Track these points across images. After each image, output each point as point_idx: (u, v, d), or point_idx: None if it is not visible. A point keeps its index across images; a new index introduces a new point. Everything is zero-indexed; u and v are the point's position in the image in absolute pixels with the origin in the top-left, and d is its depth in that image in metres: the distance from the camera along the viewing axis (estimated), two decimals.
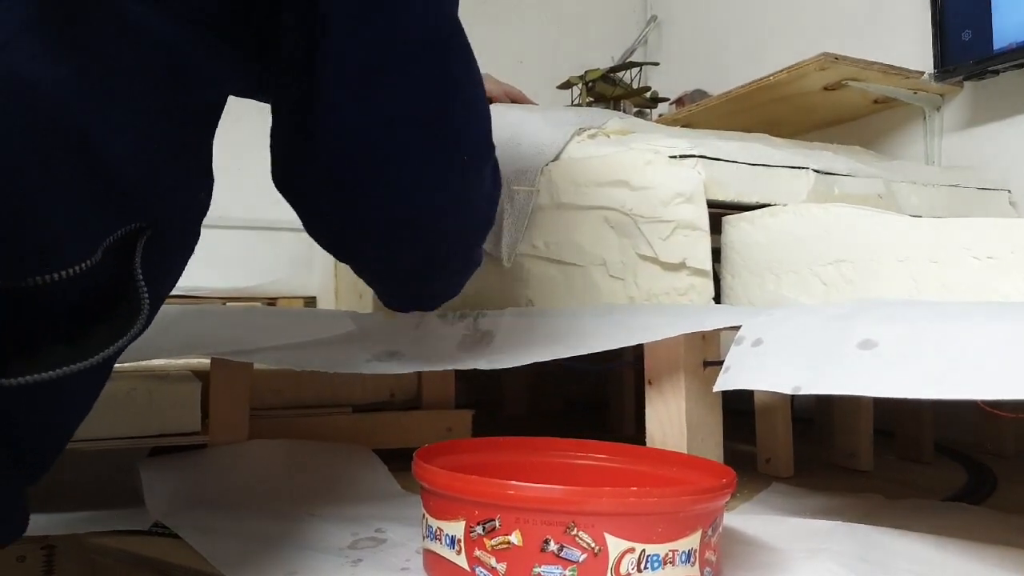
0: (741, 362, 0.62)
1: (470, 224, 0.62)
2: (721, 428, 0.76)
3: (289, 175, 0.55)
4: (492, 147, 0.61)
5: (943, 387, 0.49)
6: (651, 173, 0.86)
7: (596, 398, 1.54)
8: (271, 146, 0.55)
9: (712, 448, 0.74)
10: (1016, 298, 0.60)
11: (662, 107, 1.81)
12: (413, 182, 0.53)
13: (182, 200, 0.47)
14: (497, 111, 1.07)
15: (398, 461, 0.86)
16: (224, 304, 1.25)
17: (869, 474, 0.96)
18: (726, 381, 0.62)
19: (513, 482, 0.47)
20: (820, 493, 0.83)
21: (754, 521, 0.69)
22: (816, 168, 0.96)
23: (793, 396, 0.96)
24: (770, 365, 0.59)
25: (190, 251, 0.51)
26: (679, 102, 1.69)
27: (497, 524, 0.48)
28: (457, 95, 0.54)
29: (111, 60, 0.38)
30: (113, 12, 0.37)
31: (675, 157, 0.86)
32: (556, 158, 0.94)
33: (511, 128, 0.98)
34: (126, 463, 0.79)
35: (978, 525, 0.70)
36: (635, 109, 1.74)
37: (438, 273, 0.66)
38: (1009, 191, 1.14)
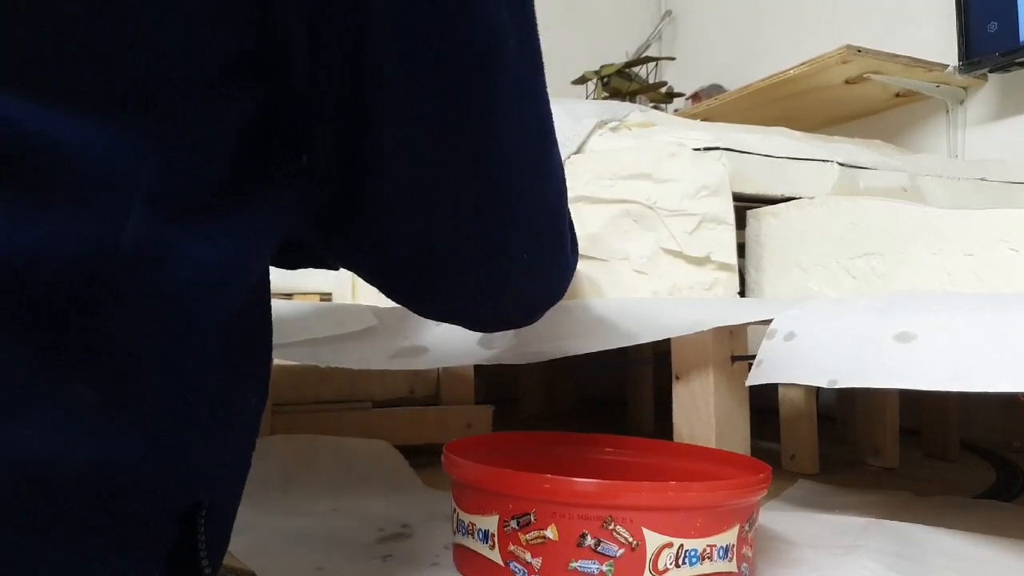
0: (774, 356, 0.61)
1: (542, 306, 0.55)
2: (748, 424, 0.75)
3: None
4: (563, 234, 0.50)
5: (988, 380, 0.48)
6: (675, 166, 0.85)
7: (614, 395, 1.53)
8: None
9: (740, 443, 0.73)
10: None
11: (678, 102, 1.80)
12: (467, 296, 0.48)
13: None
14: None
15: (419, 457, 0.86)
16: None
17: (895, 471, 0.94)
18: (759, 375, 0.61)
19: (549, 476, 0.46)
20: (847, 490, 0.82)
21: (783, 517, 0.68)
22: (841, 161, 0.94)
23: (818, 393, 0.96)
24: (804, 359, 0.58)
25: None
26: (695, 97, 1.68)
27: (532, 518, 0.47)
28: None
29: None
30: None
31: (699, 150, 0.85)
32: (578, 150, 0.93)
33: None
34: None
35: (1013, 522, 0.69)
36: (651, 104, 1.73)
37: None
38: None
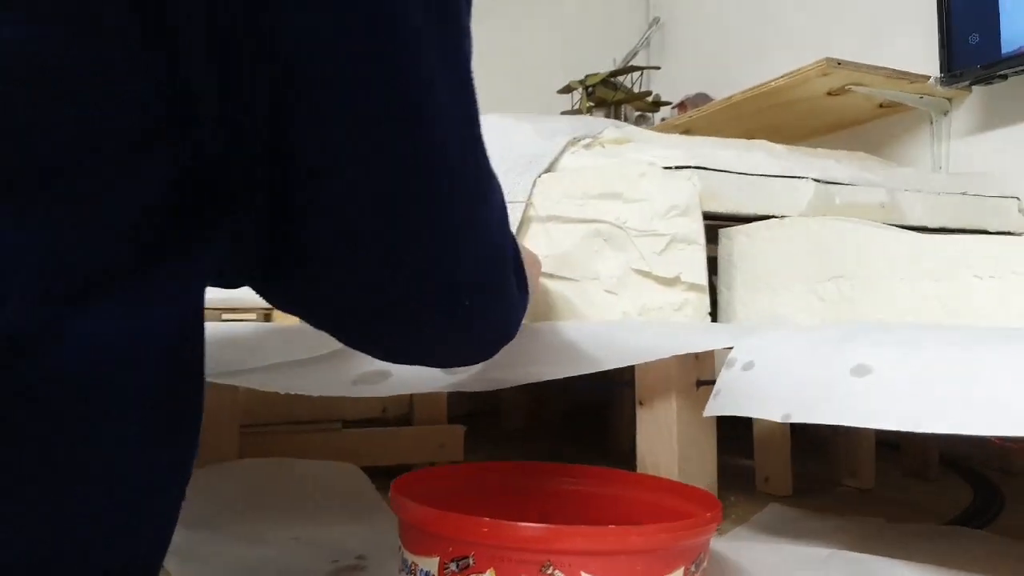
0: (732, 386, 0.60)
1: (495, 345, 0.54)
2: (715, 450, 0.74)
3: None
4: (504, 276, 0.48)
5: (940, 421, 0.47)
6: (645, 185, 0.84)
7: (596, 410, 1.52)
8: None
9: (705, 472, 0.72)
10: (1014, 323, 0.57)
11: (665, 111, 1.79)
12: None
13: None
14: (490, 120, 1.05)
15: (389, 478, 0.84)
16: (220, 315, 1.24)
17: (871, 493, 0.93)
18: (717, 406, 0.60)
19: (487, 519, 0.45)
20: (818, 515, 0.81)
21: (746, 547, 0.67)
22: (816, 177, 0.93)
23: None
24: (760, 390, 0.57)
25: None
26: (681, 106, 1.67)
27: (471, 562, 0.46)
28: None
29: None
30: None
31: (670, 168, 0.84)
32: (549, 169, 0.92)
33: (502, 138, 0.96)
34: None
35: (980, 552, 0.68)
36: (637, 113, 1.72)
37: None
38: (1018, 199, 1.11)
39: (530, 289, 0.79)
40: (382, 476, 0.86)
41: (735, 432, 0.88)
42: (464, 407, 1.32)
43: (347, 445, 0.93)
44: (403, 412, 1.00)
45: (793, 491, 0.92)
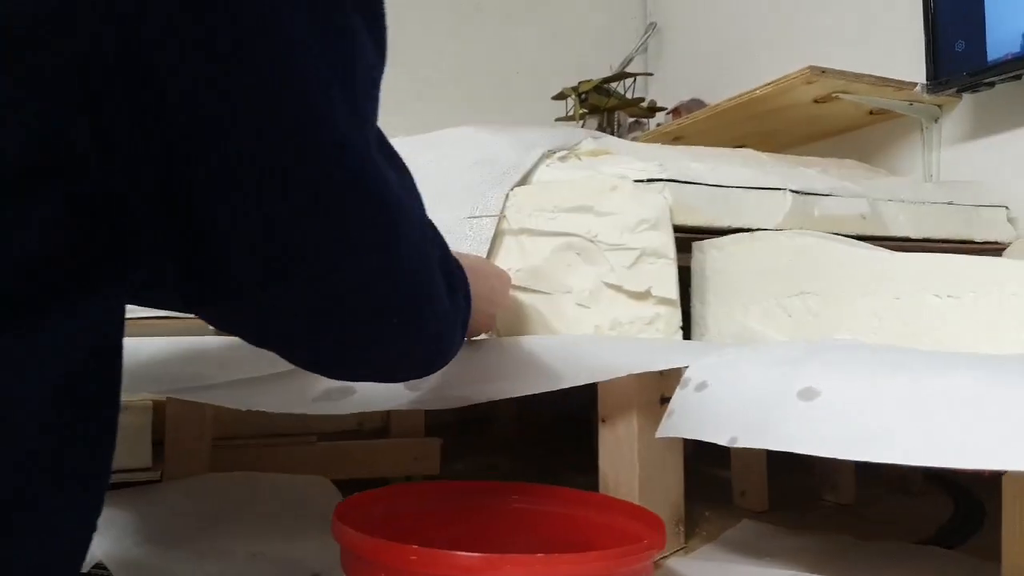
0: (685, 407, 0.59)
1: (420, 364, 0.54)
2: (680, 468, 0.73)
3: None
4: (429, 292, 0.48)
5: (884, 449, 0.46)
6: (616, 198, 0.83)
7: (587, 419, 1.50)
8: None
9: (669, 491, 0.71)
10: (971, 345, 0.56)
11: (660, 116, 1.78)
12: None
13: None
14: (466, 132, 1.05)
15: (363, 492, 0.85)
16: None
17: (849, 508, 0.92)
18: (669, 427, 0.60)
19: (415, 547, 0.45)
20: (790, 532, 0.80)
21: (708, 567, 0.67)
22: (794, 188, 0.92)
23: None
24: (711, 413, 0.56)
25: None
26: (675, 112, 1.66)
27: None
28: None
29: None
30: None
31: (641, 181, 0.84)
32: (522, 182, 0.91)
33: (477, 151, 0.96)
34: None
35: (949, 573, 0.66)
36: (631, 119, 1.71)
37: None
38: (1007, 208, 1.09)
39: (495, 303, 0.79)
40: (358, 490, 0.86)
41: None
42: (454, 415, 1.31)
43: (321, 458, 0.92)
44: (380, 425, 1.00)
45: (770, 506, 0.91)
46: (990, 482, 1.01)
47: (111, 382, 0.37)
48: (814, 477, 0.97)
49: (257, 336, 0.46)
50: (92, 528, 0.37)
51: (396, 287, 0.43)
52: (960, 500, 0.94)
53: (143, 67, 0.29)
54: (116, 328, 0.37)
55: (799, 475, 1.02)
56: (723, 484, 0.95)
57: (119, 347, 0.37)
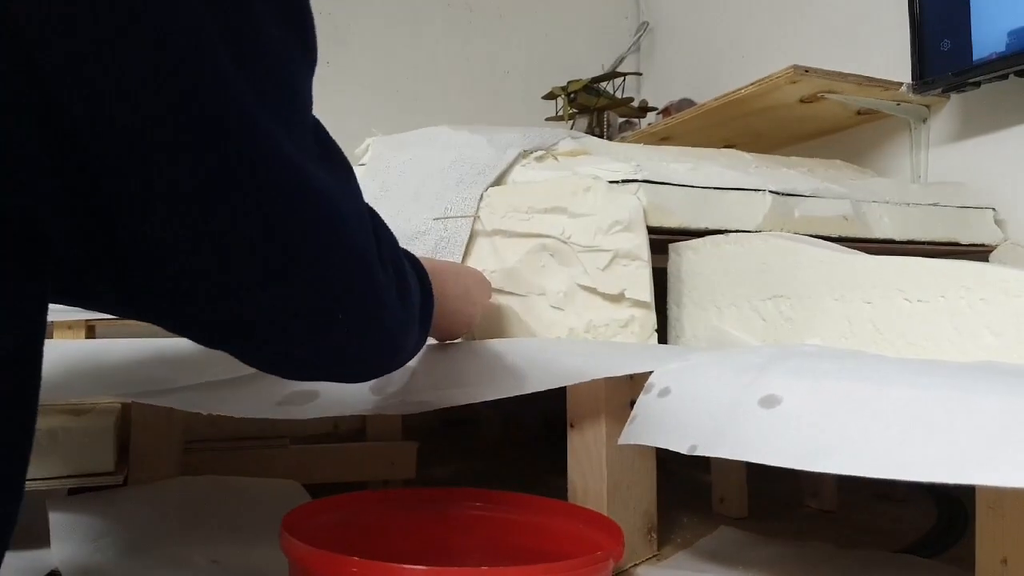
0: (647, 413, 0.58)
1: (371, 366, 0.52)
2: (653, 474, 0.72)
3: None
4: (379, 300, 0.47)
5: (841, 461, 0.44)
6: (590, 199, 0.82)
7: None
8: None
9: (639, 499, 0.70)
10: (940, 350, 0.55)
11: (651, 116, 1.76)
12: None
13: None
14: (444, 132, 1.04)
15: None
16: None
17: (831, 515, 0.90)
18: (631, 434, 0.58)
19: (356, 559, 0.43)
20: (767, 540, 0.78)
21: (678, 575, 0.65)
22: (774, 189, 0.91)
23: None
24: (673, 420, 0.55)
25: None
26: (666, 112, 1.64)
27: None
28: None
29: None
30: None
31: (615, 182, 0.82)
32: (497, 182, 0.90)
33: (454, 150, 0.95)
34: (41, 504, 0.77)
35: None
36: (621, 119, 1.70)
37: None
38: (994, 209, 1.07)
39: (472, 303, 0.77)
40: (331, 494, 0.85)
41: None
42: (437, 418, 1.29)
43: (294, 462, 0.91)
44: (356, 427, 0.99)
45: (750, 512, 0.89)
46: (971, 489, 1.00)
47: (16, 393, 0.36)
48: (795, 483, 0.96)
49: (207, 338, 0.45)
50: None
51: (339, 280, 0.42)
52: (944, 507, 0.93)
53: (47, 91, 0.29)
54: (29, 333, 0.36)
55: (781, 481, 1.00)
56: (704, 489, 0.94)
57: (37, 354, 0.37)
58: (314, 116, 0.41)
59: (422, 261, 0.57)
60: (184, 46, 0.29)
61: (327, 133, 0.43)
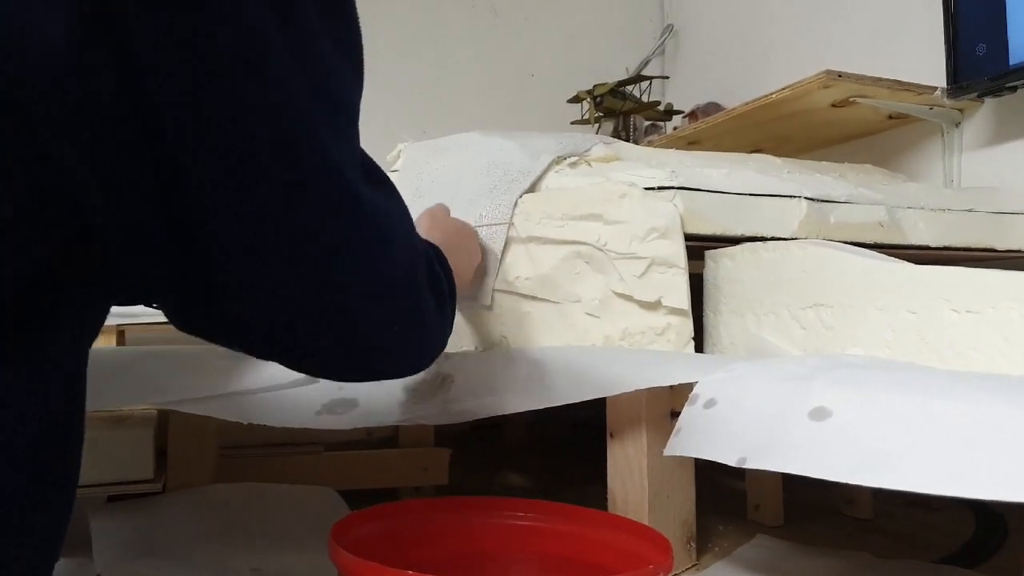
0: (693, 425, 0.57)
1: (405, 364, 0.53)
2: (692, 483, 0.71)
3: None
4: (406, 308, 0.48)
5: (894, 476, 0.44)
6: (626, 206, 0.82)
7: (599, 426, 1.49)
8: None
9: (679, 509, 0.69)
10: (991, 362, 0.54)
11: (677, 120, 1.76)
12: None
13: None
14: (476, 138, 1.04)
15: (371, 503, 0.83)
16: None
17: (867, 523, 0.90)
18: (676, 446, 0.58)
19: (411, 572, 0.44)
20: (805, 548, 0.77)
21: None
22: (809, 196, 0.90)
23: None
24: (719, 431, 0.55)
25: None
26: (692, 115, 1.64)
27: None
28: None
29: None
30: None
31: (651, 189, 0.82)
32: (531, 189, 0.90)
33: (487, 156, 0.95)
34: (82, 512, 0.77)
35: None
36: (647, 123, 1.69)
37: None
38: None
39: (471, 263, 0.80)
40: (366, 500, 0.85)
41: None
42: (467, 422, 1.29)
43: (328, 468, 0.91)
44: (389, 434, 0.99)
45: (785, 520, 0.89)
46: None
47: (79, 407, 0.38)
48: (830, 490, 0.95)
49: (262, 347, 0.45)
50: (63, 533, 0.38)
51: (389, 293, 0.43)
52: (981, 515, 0.92)
53: (143, 111, 0.31)
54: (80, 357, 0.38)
55: (815, 488, 0.99)
56: (738, 496, 0.93)
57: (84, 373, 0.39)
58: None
59: (438, 245, 0.58)
60: (276, 80, 0.32)
61: (370, 158, 0.44)
